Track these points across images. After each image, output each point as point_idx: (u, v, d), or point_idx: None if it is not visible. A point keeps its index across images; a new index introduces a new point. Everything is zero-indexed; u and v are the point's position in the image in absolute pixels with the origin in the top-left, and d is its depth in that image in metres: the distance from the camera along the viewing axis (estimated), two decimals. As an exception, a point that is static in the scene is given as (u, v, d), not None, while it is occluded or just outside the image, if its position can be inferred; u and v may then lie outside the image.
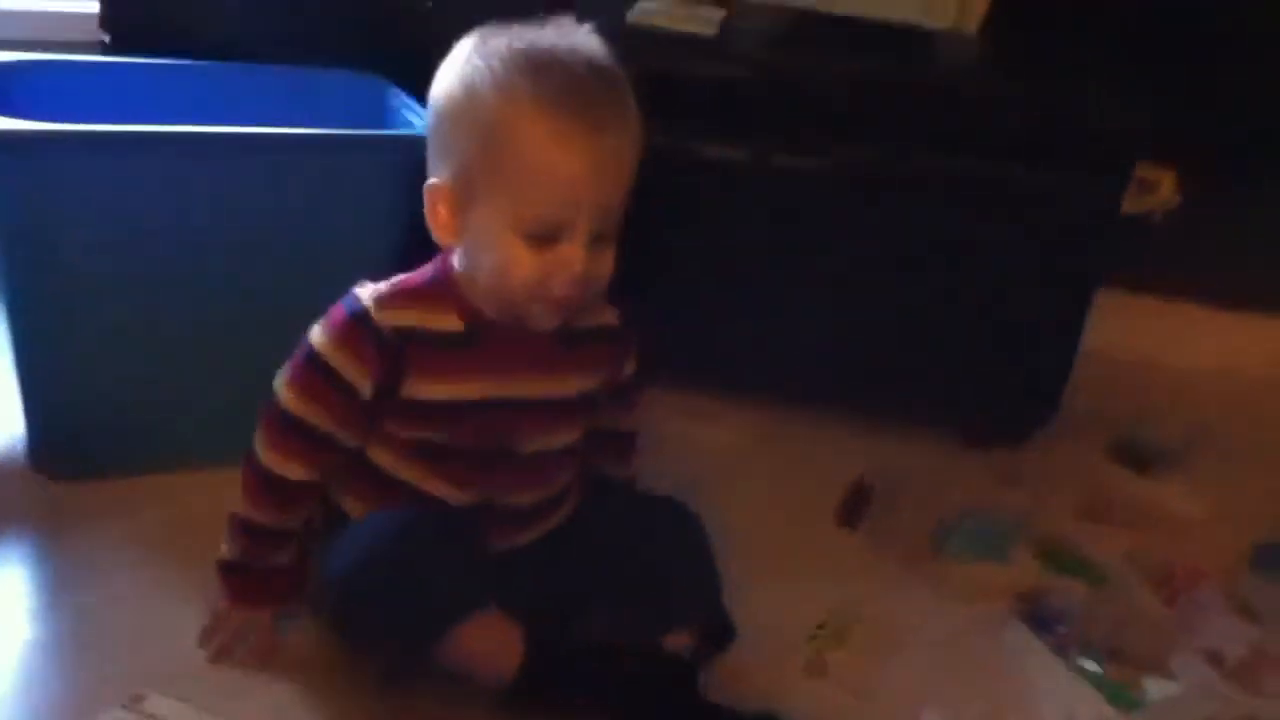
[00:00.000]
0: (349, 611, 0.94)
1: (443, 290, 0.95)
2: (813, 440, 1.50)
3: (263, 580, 0.98)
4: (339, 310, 0.94)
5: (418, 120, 1.24)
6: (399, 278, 0.97)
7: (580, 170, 0.86)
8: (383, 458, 0.97)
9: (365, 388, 0.92)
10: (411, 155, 1.19)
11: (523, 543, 1.01)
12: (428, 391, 0.94)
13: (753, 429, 1.51)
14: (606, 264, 0.92)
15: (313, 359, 0.93)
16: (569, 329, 0.96)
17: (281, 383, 0.95)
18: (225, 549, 0.98)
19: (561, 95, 0.86)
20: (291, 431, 0.94)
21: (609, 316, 1.02)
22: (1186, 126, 2.00)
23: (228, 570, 0.98)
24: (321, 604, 0.98)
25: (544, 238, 0.88)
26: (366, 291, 0.94)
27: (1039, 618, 1.18)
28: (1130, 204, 1.94)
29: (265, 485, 0.95)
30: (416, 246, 1.26)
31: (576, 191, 0.87)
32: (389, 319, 0.92)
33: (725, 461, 1.43)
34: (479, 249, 0.91)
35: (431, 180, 0.93)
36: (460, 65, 0.90)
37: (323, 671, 0.98)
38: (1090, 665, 1.12)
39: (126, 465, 1.19)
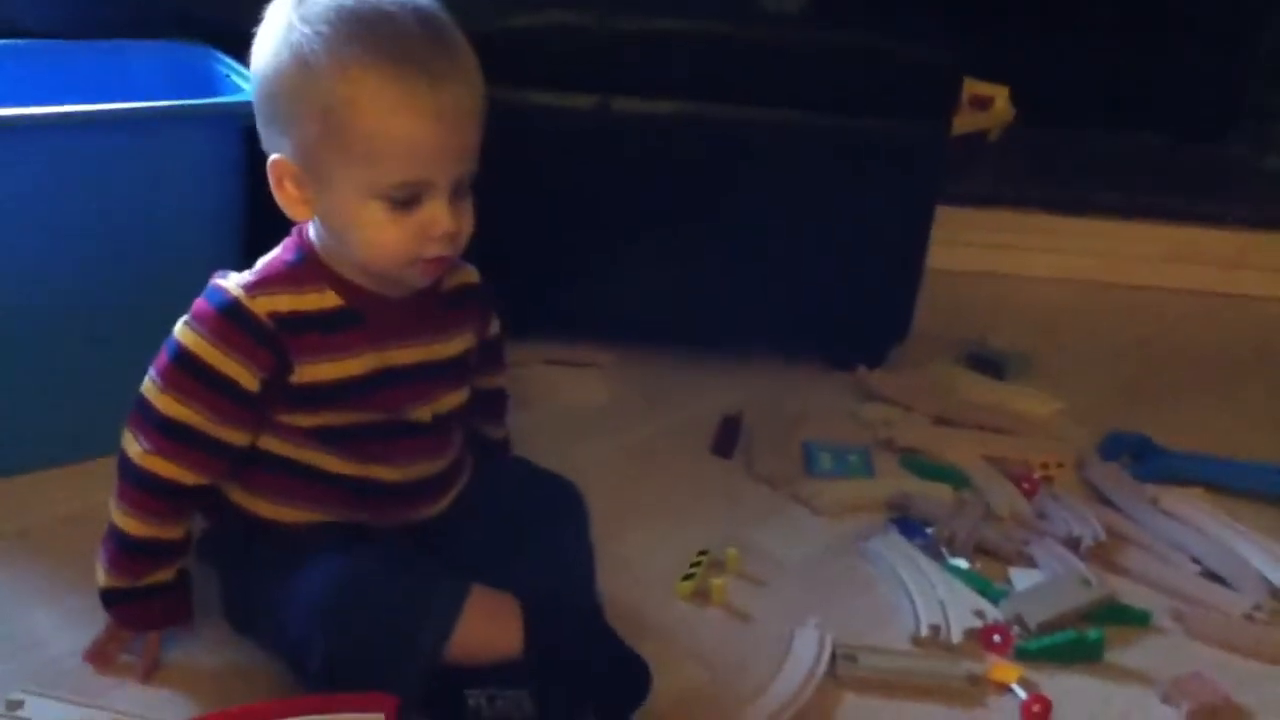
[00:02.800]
0: (342, 660, 0.86)
1: (311, 267, 0.91)
2: (681, 379, 1.51)
3: (148, 602, 0.93)
4: (204, 305, 0.89)
5: (246, 85, 1.20)
6: (262, 262, 0.93)
7: (430, 130, 0.84)
8: (278, 446, 0.93)
9: (249, 382, 0.88)
10: (240, 123, 1.17)
11: (431, 515, 0.99)
12: (318, 374, 0.90)
13: (620, 374, 1.52)
14: (470, 215, 0.90)
15: (184, 359, 0.88)
16: (440, 289, 0.95)
17: (152, 388, 0.89)
18: (103, 574, 0.92)
19: (397, 57, 0.83)
20: (173, 436, 0.89)
21: (469, 275, 1.01)
22: (1017, 45, 2.09)
23: (110, 598, 0.93)
24: (293, 657, 0.91)
25: (406, 201, 0.86)
26: (231, 281, 0.90)
27: (908, 524, 1.22)
28: (966, 122, 2.02)
29: (148, 492, 0.90)
30: (267, 218, 1.23)
31: (430, 151, 0.85)
32: (263, 306, 0.88)
33: (596, 407, 1.44)
34: (340, 223, 0.88)
35: (274, 156, 0.88)
36: (284, 31, 0.86)
37: (209, 670, 0.96)
38: (960, 563, 1.17)
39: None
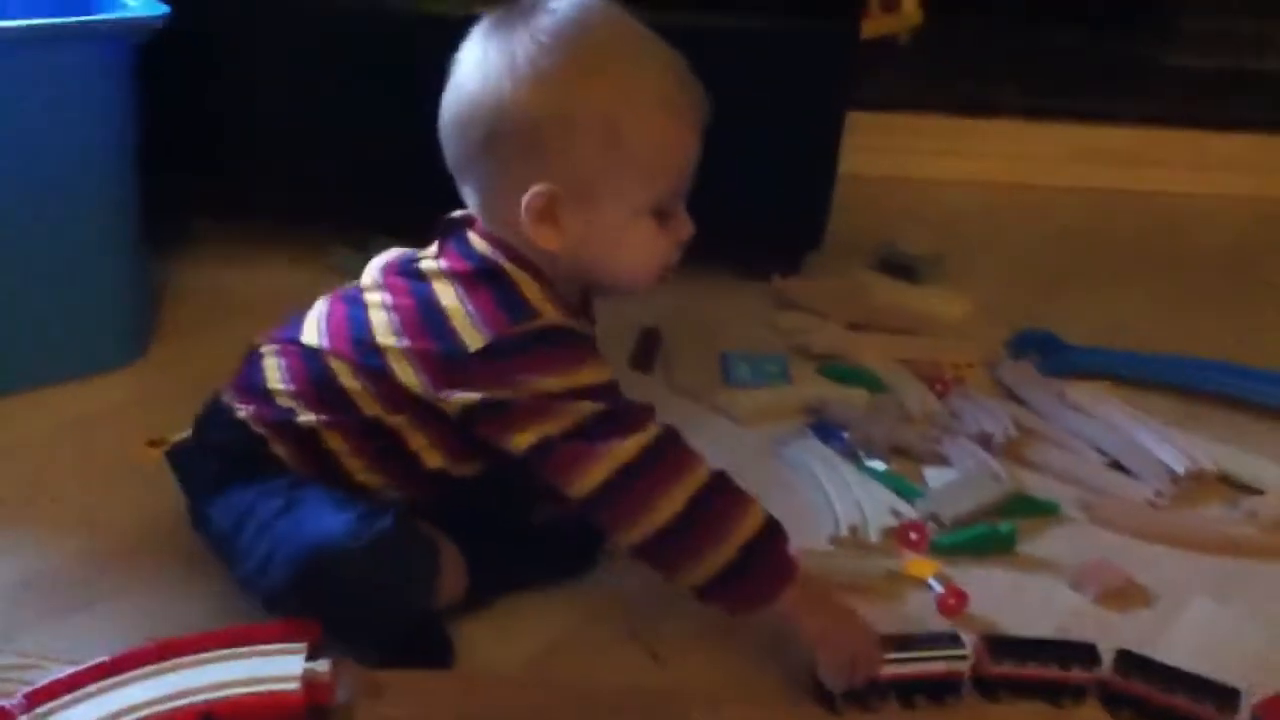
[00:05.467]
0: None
1: (552, 287, 0.88)
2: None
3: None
4: (555, 352, 0.84)
5: (131, 1, 1.15)
6: (491, 305, 0.85)
7: (691, 133, 0.86)
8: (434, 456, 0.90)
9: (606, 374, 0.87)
10: (129, 41, 1.12)
11: None
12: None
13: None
14: None
15: (598, 394, 0.84)
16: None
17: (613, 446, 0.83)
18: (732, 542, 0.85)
19: (653, 65, 0.85)
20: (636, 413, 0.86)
21: None
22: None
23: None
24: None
25: (667, 212, 0.87)
26: (527, 318, 0.84)
27: (825, 428, 1.24)
28: (875, 26, 2.01)
29: (661, 468, 0.85)
30: (145, 145, 1.19)
31: (691, 154, 0.87)
32: (559, 319, 0.86)
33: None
34: (605, 246, 0.87)
35: (536, 189, 0.83)
36: (517, 63, 0.82)
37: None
38: (876, 464, 1.19)
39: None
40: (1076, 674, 0.91)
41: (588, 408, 0.84)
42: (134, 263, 1.26)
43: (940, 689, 0.90)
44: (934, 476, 1.19)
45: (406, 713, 0.83)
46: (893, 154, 1.93)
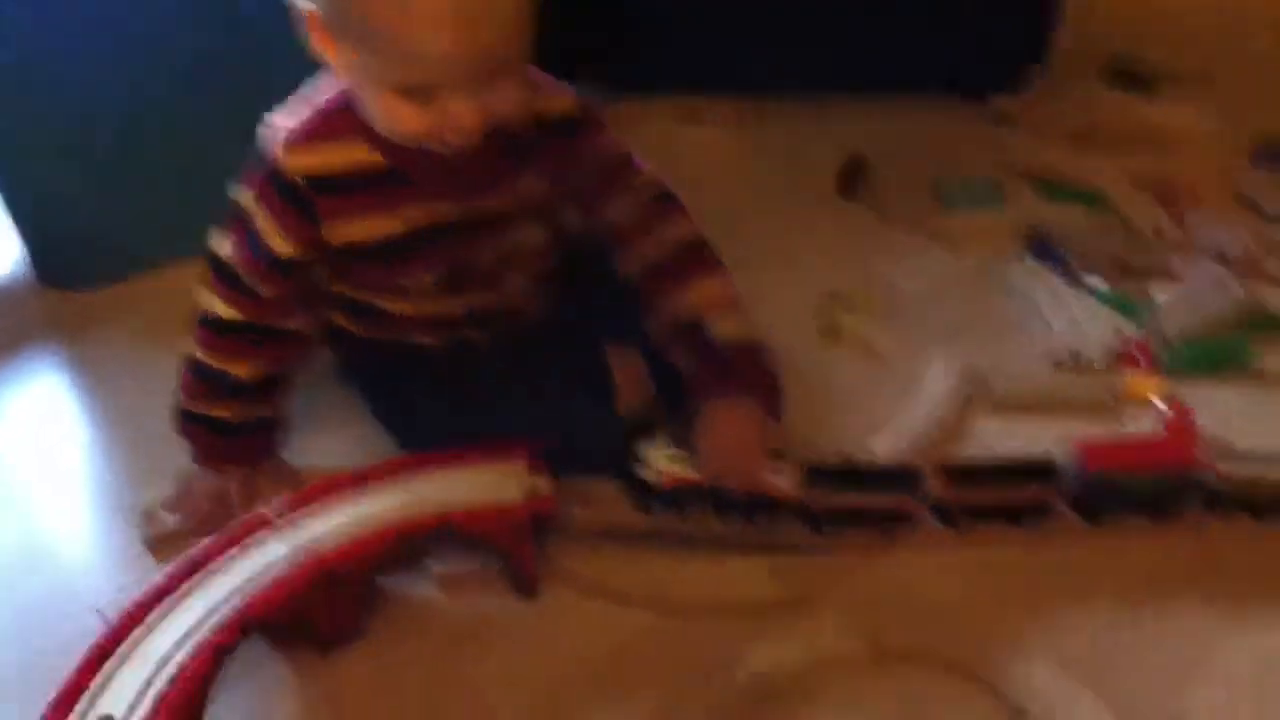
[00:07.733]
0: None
1: (351, 118, 0.84)
2: (802, 122, 1.47)
3: (201, 431, 0.93)
4: (256, 164, 0.87)
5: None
6: (310, 109, 0.86)
7: (435, 31, 0.74)
8: (353, 292, 0.95)
9: (283, 248, 0.87)
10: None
11: (533, 320, 1.01)
12: (350, 235, 0.87)
13: (739, 121, 1.48)
14: (508, 95, 0.80)
15: (237, 212, 0.88)
16: (507, 134, 0.84)
17: (221, 230, 0.90)
18: (181, 399, 0.93)
19: None
20: (225, 279, 0.90)
21: (559, 103, 0.90)
22: None
23: (178, 419, 0.93)
24: None
25: (417, 92, 0.78)
26: (278, 135, 0.85)
27: (1043, 248, 1.19)
28: None
29: (198, 324, 0.91)
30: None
31: (436, 52, 0.75)
32: (299, 168, 0.85)
33: (717, 155, 1.41)
34: (360, 90, 0.82)
35: (305, 5, 0.80)
36: None
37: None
38: (1097, 283, 1.14)
39: (129, 267, 1.21)
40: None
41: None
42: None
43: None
44: (1162, 294, 1.12)
45: (612, 519, 0.88)
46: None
